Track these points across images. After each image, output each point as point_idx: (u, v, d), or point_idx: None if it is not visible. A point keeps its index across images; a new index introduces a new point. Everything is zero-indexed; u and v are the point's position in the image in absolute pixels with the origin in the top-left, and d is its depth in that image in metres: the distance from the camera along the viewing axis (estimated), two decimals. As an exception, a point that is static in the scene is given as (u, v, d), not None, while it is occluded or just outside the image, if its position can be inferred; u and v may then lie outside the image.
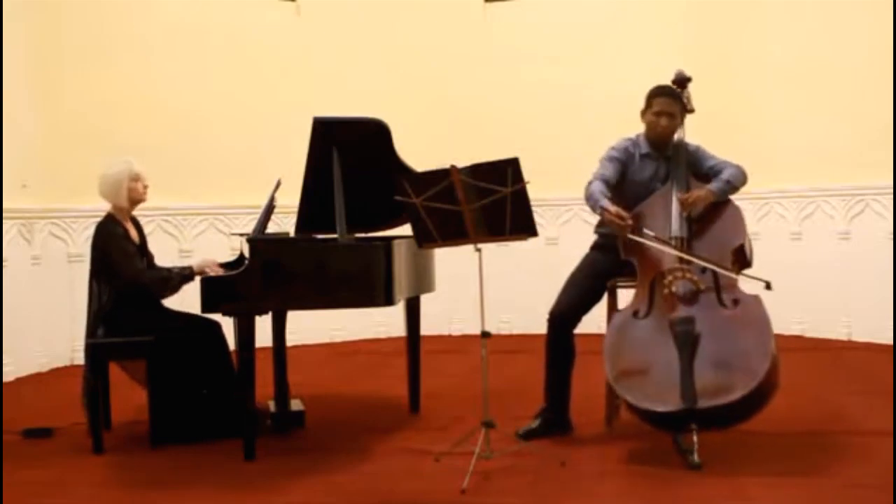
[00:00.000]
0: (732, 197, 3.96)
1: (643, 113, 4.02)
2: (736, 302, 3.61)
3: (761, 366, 3.39)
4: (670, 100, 3.96)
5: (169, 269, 4.05)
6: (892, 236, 6.07)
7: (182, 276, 3.96)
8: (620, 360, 3.63)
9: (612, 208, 3.73)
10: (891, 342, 5.85)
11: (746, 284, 3.72)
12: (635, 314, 3.74)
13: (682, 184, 3.90)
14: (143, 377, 4.03)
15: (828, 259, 6.38)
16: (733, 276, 3.67)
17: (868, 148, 6.14)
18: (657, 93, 3.97)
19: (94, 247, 4.08)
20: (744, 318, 3.55)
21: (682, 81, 4.10)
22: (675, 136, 4.03)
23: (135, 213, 4.25)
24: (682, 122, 4.02)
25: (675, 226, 3.79)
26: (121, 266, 4.00)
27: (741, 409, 3.42)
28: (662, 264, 3.73)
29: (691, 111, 4.10)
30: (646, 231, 3.71)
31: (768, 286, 3.54)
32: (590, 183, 3.91)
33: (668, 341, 3.53)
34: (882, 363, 5.41)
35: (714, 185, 3.90)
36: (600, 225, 4.06)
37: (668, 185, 3.94)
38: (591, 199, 3.84)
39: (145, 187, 4.16)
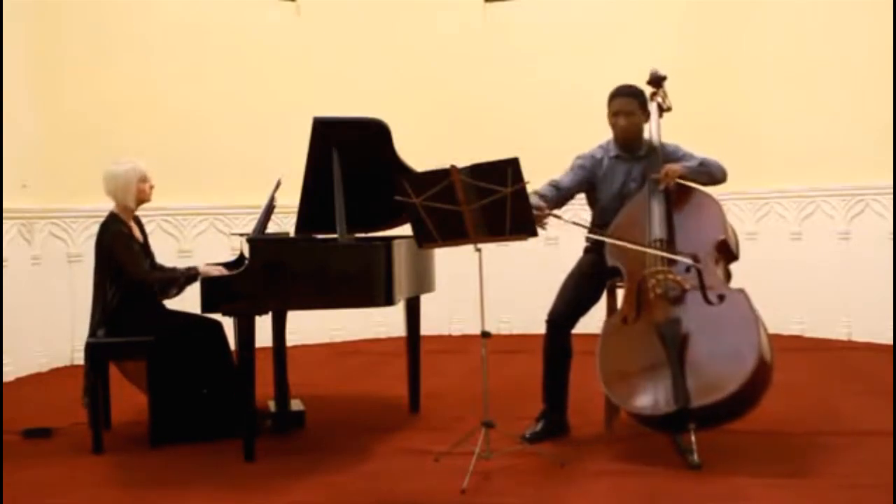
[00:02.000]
0: (723, 195, 3.97)
1: (607, 116, 4.05)
2: (721, 298, 3.61)
3: (749, 361, 3.39)
4: (625, 99, 3.98)
5: (174, 269, 4.05)
6: (892, 236, 6.07)
7: (188, 277, 3.97)
8: (612, 367, 3.64)
9: (534, 204, 3.75)
10: (891, 342, 5.85)
11: (739, 282, 3.74)
12: (624, 319, 3.75)
13: (657, 185, 3.89)
14: (144, 381, 4.03)
15: (828, 259, 6.38)
16: (686, 261, 3.65)
17: (868, 148, 6.14)
18: (613, 94, 4.02)
19: (100, 246, 4.07)
20: (730, 314, 3.55)
21: (656, 81, 4.11)
22: (648, 136, 4.05)
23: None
24: (647, 119, 4.04)
25: (656, 228, 3.79)
26: (128, 266, 4.00)
27: (735, 405, 3.42)
28: (645, 267, 3.73)
29: (668, 109, 4.10)
30: (555, 213, 3.79)
31: (696, 259, 3.61)
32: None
33: (658, 344, 3.54)
34: (882, 363, 5.42)
35: (687, 162, 3.95)
36: (590, 232, 4.07)
37: (644, 189, 3.94)
38: None
39: (151, 187, 4.19)
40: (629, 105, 3.97)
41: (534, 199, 3.81)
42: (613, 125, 4.02)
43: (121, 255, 4.01)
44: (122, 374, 4.21)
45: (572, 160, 4.12)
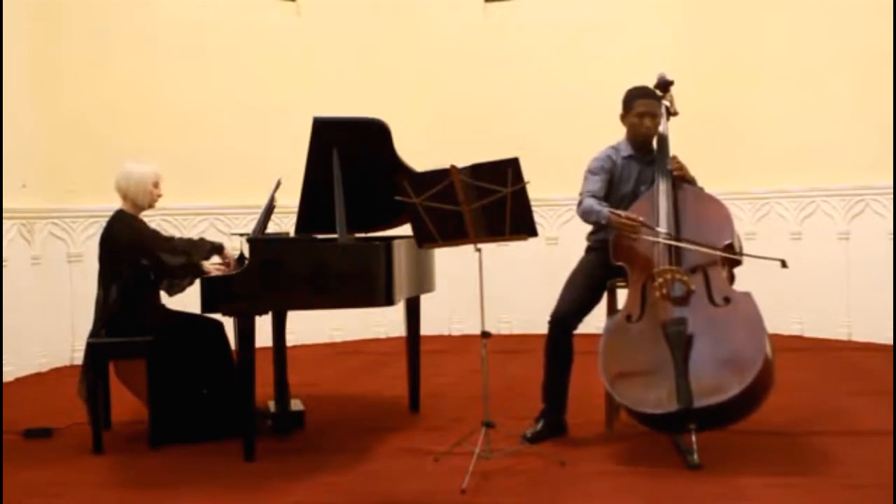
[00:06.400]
0: (723, 195, 3.98)
1: (623, 116, 4.03)
2: (727, 300, 3.62)
3: (755, 363, 3.39)
4: (651, 101, 3.98)
5: (201, 239, 4.19)
6: (892, 236, 6.07)
7: (212, 247, 4.13)
8: (615, 365, 3.64)
9: (622, 213, 3.76)
10: (891, 342, 5.85)
11: (738, 283, 3.74)
12: (628, 318, 3.74)
13: (667, 177, 3.89)
14: (141, 388, 4.03)
15: (828, 259, 6.38)
16: (739, 258, 3.66)
17: (868, 148, 6.15)
18: (638, 94, 3.99)
19: (108, 241, 4.05)
20: (736, 317, 3.56)
21: (664, 85, 4.10)
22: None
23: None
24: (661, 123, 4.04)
25: (663, 226, 3.79)
26: (154, 242, 4.03)
27: (737, 407, 3.42)
28: (652, 267, 3.73)
29: (675, 114, 4.10)
30: (658, 229, 3.72)
31: (784, 264, 3.57)
32: (579, 203, 3.96)
33: (662, 343, 3.54)
34: (882, 363, 5.42)
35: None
36: (593, 232, 4.07)
37: (652, 187, 3.94)
38: (591, 214, 3.87)
39: (160, 195, 4.19)
40: (655, 107, 3.98)
41: (623, 212, 3.77)
42: (637, 125, 3.97)
43: (145, 234, 4.05)
44: (119, 379, 4.21)
45: (588, 163, 4.05)
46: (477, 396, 3.75)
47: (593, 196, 3.93)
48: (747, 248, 4.01)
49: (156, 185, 4.15)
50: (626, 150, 4.04)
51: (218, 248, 4.17)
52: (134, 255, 4.00)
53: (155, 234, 4.15)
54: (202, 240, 4.20)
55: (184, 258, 4.00)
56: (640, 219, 3.74)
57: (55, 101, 6.14)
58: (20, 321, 5.61)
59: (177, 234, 6.55)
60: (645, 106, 3.96)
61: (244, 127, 6.69)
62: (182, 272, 3.99)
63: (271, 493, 3.33)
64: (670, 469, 3.42)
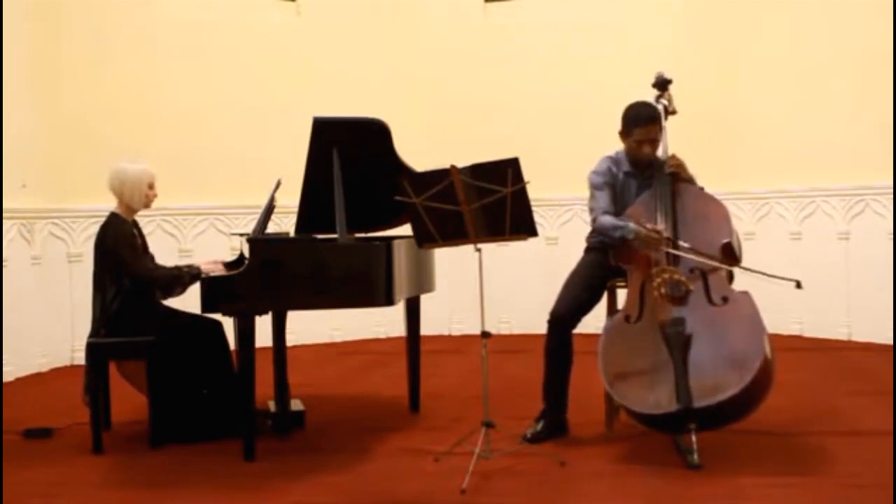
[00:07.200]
0: (723, 195, 3.97)
1: (623, 136, 3.98)
2: (725, 299, 3.62)
3: (754, 362, 3.39)
4: (652, 126, 3.91)
5: (179, 268, 4.03)
6: (892, 236, 6.07)
7: (191, 275, 3.94)
8: (615, 365, 3.64)
9: (648, 224, 3.72)
10: (891, 342, 5.85)
11: (737, 282, 3.74)
12: (627, 318, 3.74)
13: (665, 186, 3.87)
14: (143, 382, 4.03)
15: (828, 259, 6.38)
16: (763, 276, 3.67)
17: (868, 148, 6.15)
18: (636, 121, 3.91)
19: (101, 245, 4.04)
20: (734, 316, 3.56)
21: (662, 84, 4.09)
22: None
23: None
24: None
25: (660, 227, 3.78)
26: (132, 264, 3.99)
27: (737, 407, 3.42)
28: (651, 267, 3.73)
29: (674, 112, 4.08)
30: (681, 243, 3.70)
31: (798, 285, 3.56)
32: (594, 220, 3.93)
33: (661, 343, 3.54)
34: (882, 363, 5.42)
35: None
36: (593, 233, 4.06)
37: (650, 190, 3.93)
38: (614, 230, 3.81)
39: (155, 196, 4.17)
40: (655, 132, 3.91)
41: (649, 224, 3.72)
42: (636, 150, 3.93)
43: (124, 253, 3.99)
44: (122, 376, 4.21)
45: (590, 177, 4.00)
46: (477, 396, 3.75)
47: (607, 212, 3.90)
48: (747, 248, 4.01)
49: (151, 185, 4.12)
50: (626, 166, 4.00)
51: (196, 276, 3.93)
52: (119, 266, 3.99)
53: (133, 254, 4.02)
54: (180, 270, 3.99)
55: (165, 271, 4.00)
56: (660, 228, 3.70)
57: (55, 101, 6.14)
58: (20, 321, 5.60)
59: (177, 235, 6.57)
60: (643, 134, 3.89)
61: (244, 127, 6.69)
62: (166, 282, 3.99)
63: (271, 493, 3.33)
64: (670, 469, 3.42)
